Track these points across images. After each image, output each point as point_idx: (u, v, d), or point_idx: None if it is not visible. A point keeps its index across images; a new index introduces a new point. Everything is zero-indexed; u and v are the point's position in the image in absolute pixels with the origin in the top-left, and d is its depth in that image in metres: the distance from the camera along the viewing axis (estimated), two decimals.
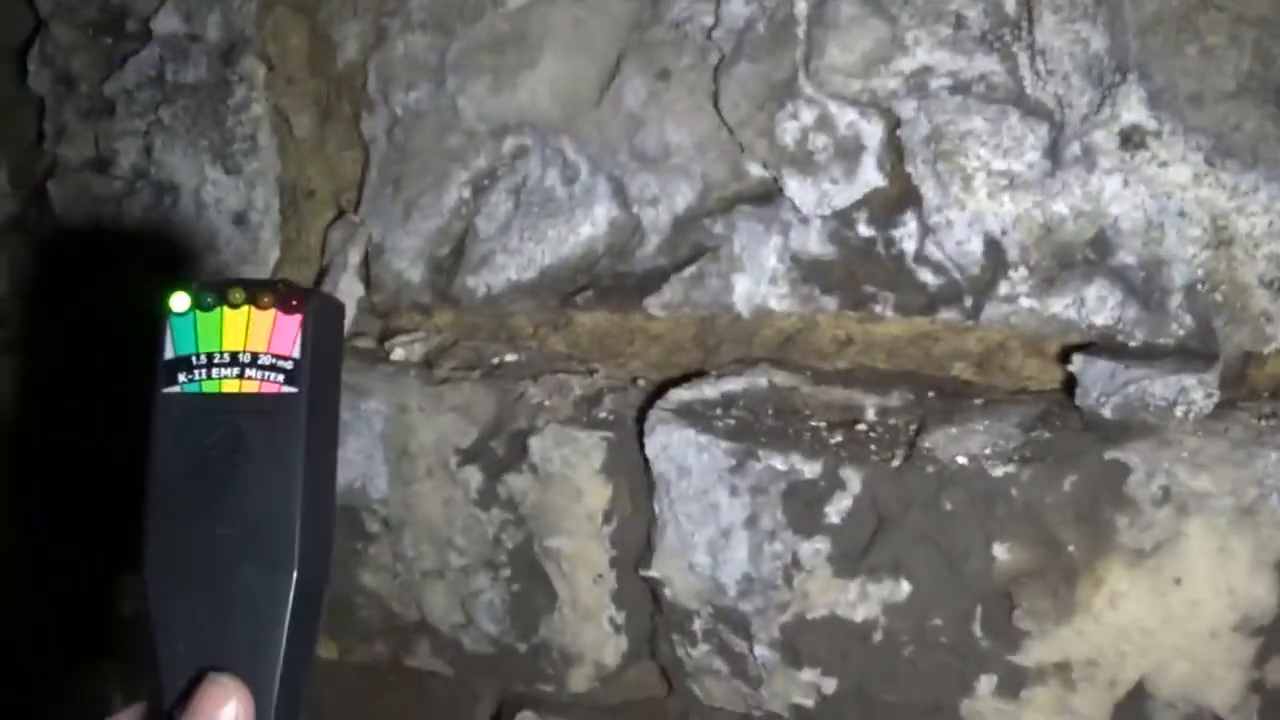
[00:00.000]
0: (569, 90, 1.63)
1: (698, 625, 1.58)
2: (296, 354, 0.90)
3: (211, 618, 0.91)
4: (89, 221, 2.01)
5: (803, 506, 1.47)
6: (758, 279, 1.56)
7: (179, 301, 0.90)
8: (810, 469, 1.46)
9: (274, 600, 0.90)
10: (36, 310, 2.21)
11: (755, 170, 1.55)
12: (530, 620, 1.69)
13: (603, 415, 1.59)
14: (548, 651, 1.70)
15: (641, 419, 1.55)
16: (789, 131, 1.51)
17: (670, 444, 1.51)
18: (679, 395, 1.55)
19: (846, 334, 1.56)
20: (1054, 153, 1.41)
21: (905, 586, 1.46)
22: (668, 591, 1.57)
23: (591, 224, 1.64)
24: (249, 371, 0.90)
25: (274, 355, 0.90)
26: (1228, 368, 1.39)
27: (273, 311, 0.90)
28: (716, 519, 1.51)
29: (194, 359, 0.90)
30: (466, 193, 1.72)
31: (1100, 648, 1.40)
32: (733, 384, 1.55)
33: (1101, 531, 1.36)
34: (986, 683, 1.46)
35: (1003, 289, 1.45)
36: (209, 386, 0.89)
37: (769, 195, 1.55)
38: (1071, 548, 1.38)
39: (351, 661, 1.89)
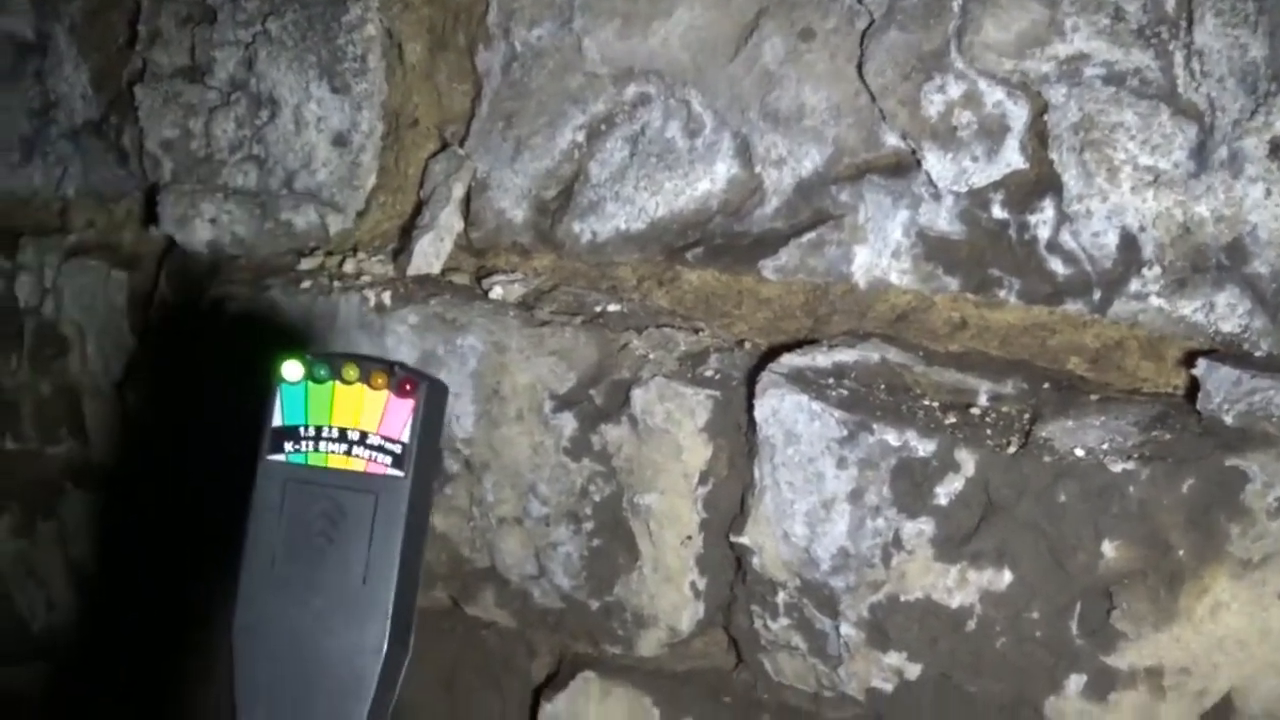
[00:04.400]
0: (702, 41, 1.59)
1: (781, 598, 1.54)
2: (406, 438, 0.93)
3: (295, 685, 0.93)
4: (175, 130, 1.96)
5: (911, 485, 1.44)
6: (879, 251, 1.53)
7: (292, 370, 0.94)
8: (925, 447, 1.43)
9: (361, 676, 0.92)
10: (109, 217, 2.18)
11: (892, 140, 1.52)
12: (607, 577, 1.65)
13: (709, 374, 1.56)
14: (620, 611, 1.66)
15: (750, 381, 1.52)
16: (934, 104, 1.48)
17: (781, 408, 1.47)
18: (792, 360, 1.51)
19: (962, 316, 1.52)
20: (1201, 155, 1.38)
21: (1007, 576, 1.43)
22: (756, 560, 1.53)
23: (710, 180, 1.60)
24: (357, 449, 0.93)
25: (384, 437, 0.93)
26: None
27: (386, 393, 0.93)
28: (820, 490, 1.48)
29: (302, 430, 0.94)
30: (581, 136, 1.68)
31: (1195, 656, 1.38)
32: (845, 355, 1.52)
33: (1212, 538, 1.34)
34: (1075, 682, 1.44)
35: (1133, 286, 1.42)
36: (315, 459, 0.93)
37: (903, 167, 1.52)
38: (1180, 552, 1.35)
39: None
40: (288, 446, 0.94)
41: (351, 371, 0.93)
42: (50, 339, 2.24)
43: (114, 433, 2.21)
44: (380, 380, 0.93)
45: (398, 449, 0.93)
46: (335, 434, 0.94)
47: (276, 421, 0.94)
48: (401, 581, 0.93)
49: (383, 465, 0.93)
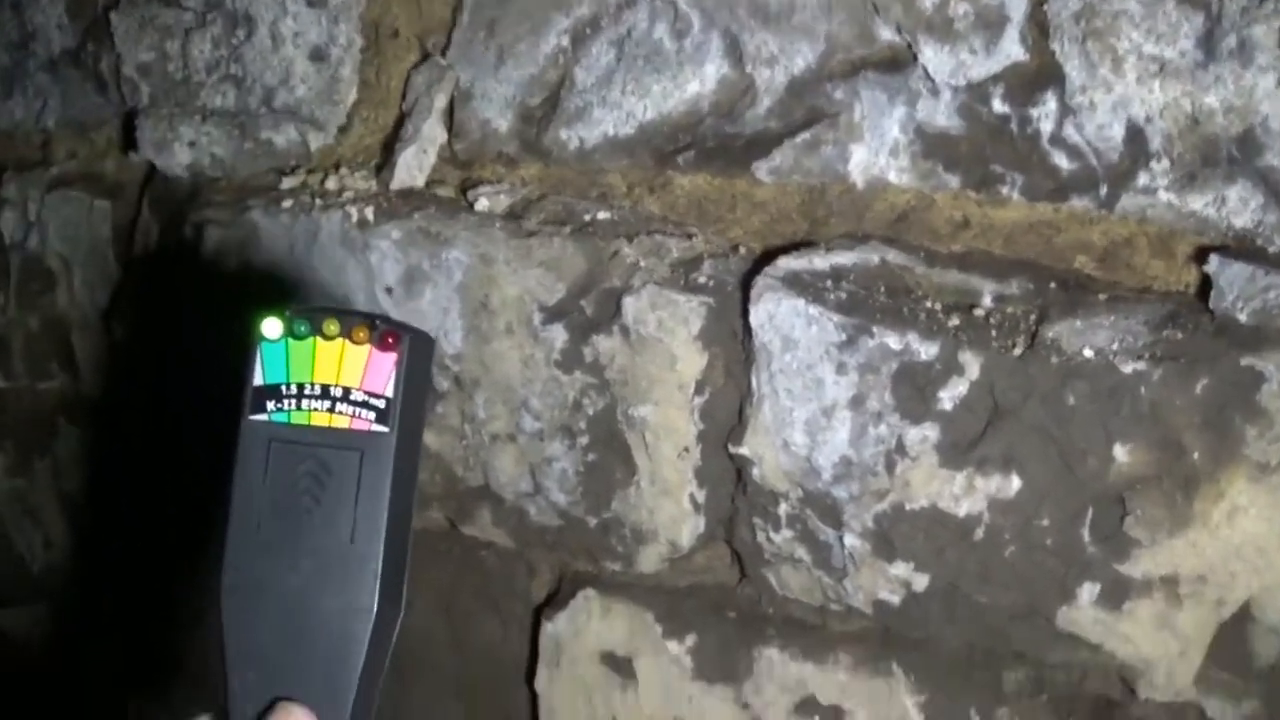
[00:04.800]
0: None
1: (783, 509, 1.51)
2: (389, 393, 0.92)
3: (286, 647, 0.92)
4: (152, 54, 1.91)
5: (914, 389, 1.40)
6: (876, 150, 1.48)
7: (271, 328, 0.92)
8: (927, 350, 1.38)
9: (351, 636, 0.91)
10: (91, 147, 2.15)
11: (886, 34, 1.46)
12: (604, 493, 1.62)
13: (702, 280, 1.52)
14: (619, 527, 1.63)
15: (745, 286, 1.47)
16: None
17: (777, 313, 1.43)
18: (788, 264, 1.47)
19: (964, 216, 1.48)
20: (1208, 43, 1.33)
21: (1015, 482, 1.39)
22: (756, 471, 1.50)
23: (700, 81, 1.55)
24: (340, 406, 0.92)
25: (367, 392, 0.92)
26: None
27: (368, 347, 0.92)
28: (819, 396, 1.44)
29: (284, 388, 0.93)
30: (565, 41, 1.63)
31: (1212, 564, 1.34)
32: (843, 257, 1.47)
33: (1228, 441, 1.29)
34: (1089, 591, 1.40)
35: (1141, 180, 1.37)
36: (298, 418, 0.92)
37: (898, 62, 1.46)
38: (1195, 455, 1.31)
39: None
40: (269, 405, 0.93)
41: (332, 326, 0.92)
42: (37, 273, 2.21)
43: (103, 365, 2.18)
44: (362, 334, 0.92)
45: (381, 404, 0.92)
46: (318, 391, 0.92)
47: (257, 380, 0.93)
48: (390, 540, 0.92)
49: (367, 421, 0.92)
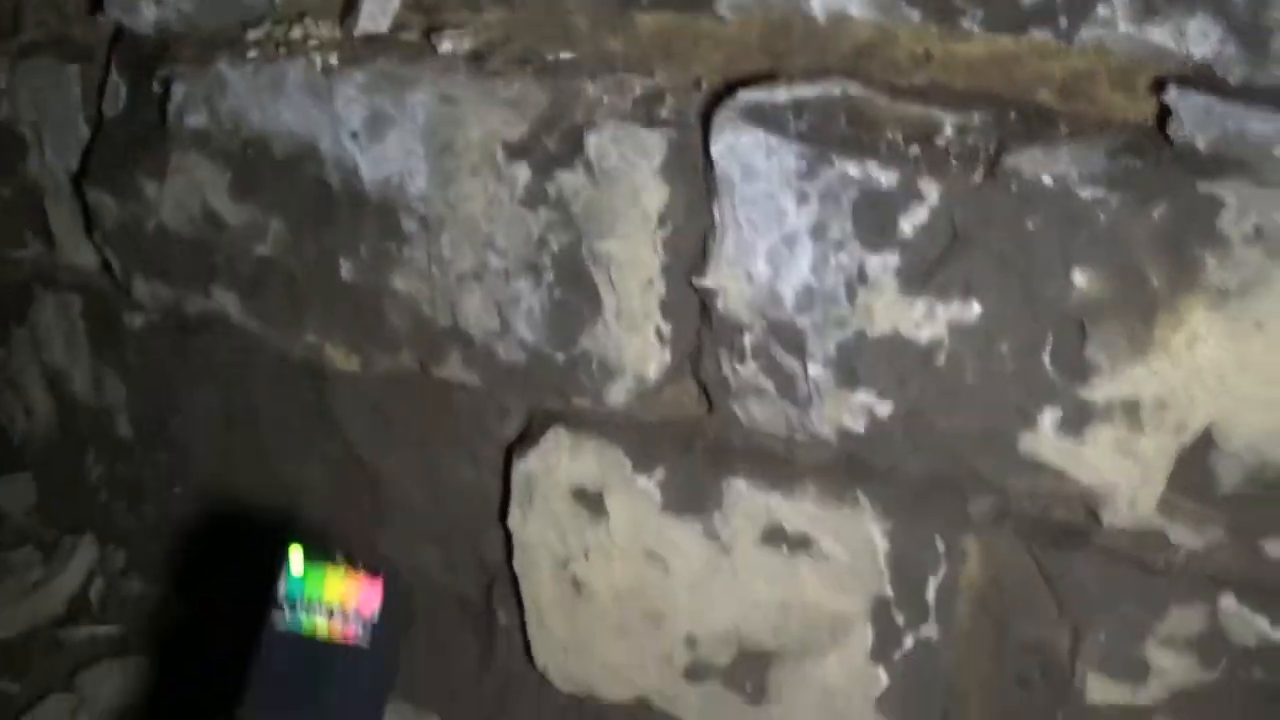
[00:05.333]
0: None
1: (748, 340, 1.52)
2: (375, 618, 1.17)
3: None
4: None
5: (875, 217, 1.41)
6: None
7: (296, 557, 1.17)
8: (886, 178, 1.39)
9: None
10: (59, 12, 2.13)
11: None
12: (571, 329, 1.63)
13: (664, 115, 1.52)
14: (587, 363, 1.64)
15: (707, 120, 1.48)
16: None
17: (738, 144, 1.44)
18: (749, 96, 1.47)
19: (926, 50, 1.47)
20: None
21: (975, 308, 1.40)
22: (720, 303, 1.51)
23: None
24: (338, 621, 1.16)
25: (359, 614, 1.17)
26: None
27: (362, 581, 1.18)
28: (781, 226, 1.44)
29: (300, 601, 1.17)
30: None
31: (1172, 389, 1.36)
32: (805, 90, 1.47)
33: (1187, 267, 1.31)
34: (1050, 416, 1.42)
35: (1101, 11, 1.36)
36: (308, 626, 1.16)
37: None
38: (1155, 281, 1.32)
39: (374, 374, 1.84)
40: (287, 612, 1.17)
41: (339, 561, 1.19)
42: (8, 142, 2.20)
43: (77, 231, 2.18)
44: (358, 572, 1.19)
45: (369, 623, 1.17)
46: (325, 609, 1.17)
47: (281, 590, 1.17)
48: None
49: (357, 634, 1.16)
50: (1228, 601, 1.44)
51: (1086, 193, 1.32)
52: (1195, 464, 1.40)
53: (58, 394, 2.34)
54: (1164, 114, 1.34)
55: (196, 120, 1.81)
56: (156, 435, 2.18)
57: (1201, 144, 1.31)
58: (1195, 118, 1.31)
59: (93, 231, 2.06)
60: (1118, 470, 1.43)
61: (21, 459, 2.52)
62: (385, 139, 1.63)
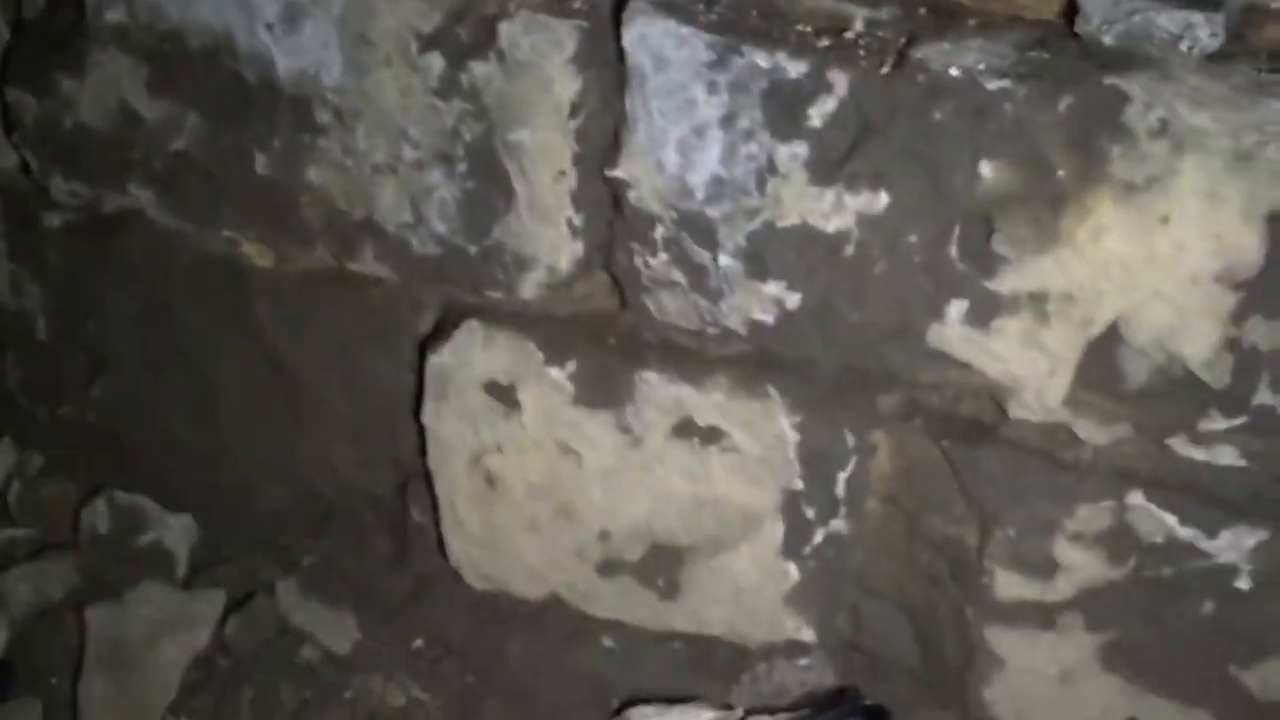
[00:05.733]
0: None
1: (659, 233, 1.53)
2: None
3: None
4: None
5: (783, 107, 1.41)
6: None
7: None
8: (795, 68, 1.39)
9: None
10: None
11: None
12: (483, 220, 1.63)
13: (576, 4, 1.51)
14: (499, 254, 1.65)
15: (617, 9, 1.47)
16: None
17: (649, 34, 1.43)
18: None
19: None
20: None
21: (883, 199, 1.41)
22: (632, 194, 1.51)
23: None
24: None
25: None
26: (1228, 20, 1.32)
27: None
28: (691, 116, 1.45)
29: None
30: None
31: (1079, 282, 1.37)
32: None
33: (1093, 159, 1.32)
34: (957, 308, 1.44)
35: None
36: None
37: None
38: (1061, 173, 1.33)
39: (289, 270, 1.83)
40: None
41: None
42: None
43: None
44: None
45: None
46: None
47: None
48: None
49: None
50: (1135, 498, 1.47)
51: (994, 84, 1.33)
52: (1102, 359, 1.42)
53: None
54: (1071, 9, 1.35)
55: (114, 15, 1.78)
56: (74, 336, 2.16)
57: (1108, 39, 1.32)
58: (1102, 12, 1.32)
59: (11, 131, 2.03)
60: (1024, 363, 1.44)
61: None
62: (301, 30, 1.62)
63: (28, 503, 2.28)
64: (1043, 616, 1.56)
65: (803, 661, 1.74)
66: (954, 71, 1.34)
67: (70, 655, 2.05)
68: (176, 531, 2.13)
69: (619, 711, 1.79)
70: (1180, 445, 1.44)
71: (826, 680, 1.74)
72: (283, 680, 1.92)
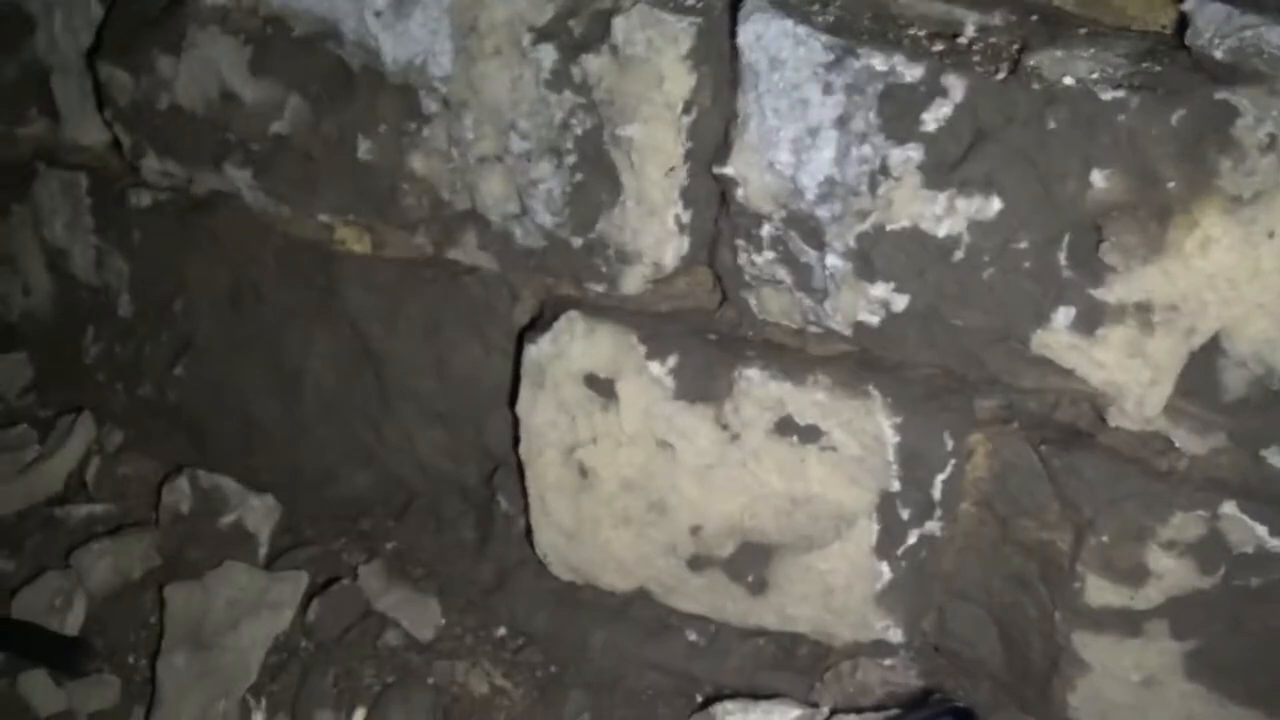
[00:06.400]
0: None
1: (766, 230, 1.53)
2: None
3: None
4: None
5: (899, 110, 1.41)
6: None
7: None
8: (912, 72, 1.40)
9: None
10: None
11: None
12: (590, 213, 1.64)
13: (692, 1, 1.52)
14: (603, 248, 1.65)
15: (734, 7, 1.47)
16: None
17: (765, 33, 1.44)
18: None
19: None
20: None
21: (995, 204, 1.41)
22: (741, 192, 1.52)
23: None
24: None
25: None
26: None
27: None
28: (805, 116, 1.45)
29: None
30: None
31: (1184, 293, 1.37)
32: None
33: (1203, 172, 1.31)
34: (1064, 315, 1.44)
35: None
36: None
37: None
38: (1170, 184, 1.33)
39: (385, 257, 1.84)
40: None
41: None
42: (15, 20, 2.19)
43: (86, 108, 2.17)
44: None
45: None
46: None
47: None
48: None
49: None
50: (1229, 508, 1.46)
51: (1107, 94, 1.33)
52: (1203, 369, 1.42)
53: (57, 273, 2.33)
54: (1183, 22, 1.34)
55: None
56: (159, 315, 2.17)
57: (1219, 53, 1.31)
58: (1214, 26, 1.31)
59: (104, 108, 2.05)
60: (1127, 371, 1.44)
61: (17, 338, 2.50)
62: (410, 17, 1.63)
63: (106, 479, 2.30)
64: (1130, 623, 1.56)
65: (887, 662, 1.74)
66: (1068, 80, 1.35)
67: (149, 633, 2.07)
68: (259, 513, 2.14)
69: (703, 706, 1.79)
70: (1275, 457, 1.44)
71: (910, 681, 1.74)
72: (365, 665, 1.93)
